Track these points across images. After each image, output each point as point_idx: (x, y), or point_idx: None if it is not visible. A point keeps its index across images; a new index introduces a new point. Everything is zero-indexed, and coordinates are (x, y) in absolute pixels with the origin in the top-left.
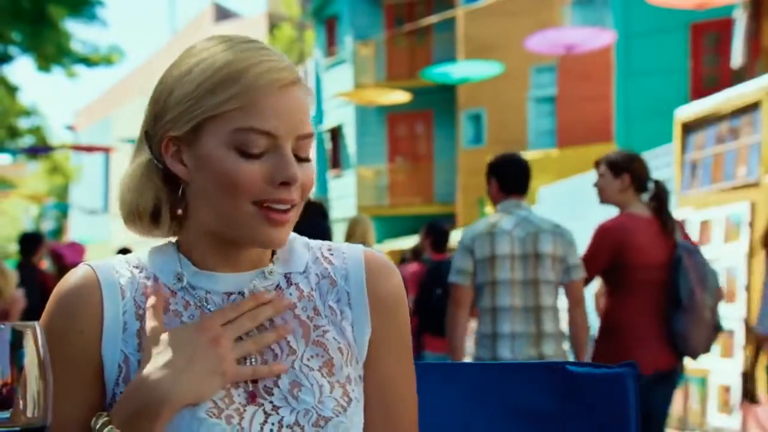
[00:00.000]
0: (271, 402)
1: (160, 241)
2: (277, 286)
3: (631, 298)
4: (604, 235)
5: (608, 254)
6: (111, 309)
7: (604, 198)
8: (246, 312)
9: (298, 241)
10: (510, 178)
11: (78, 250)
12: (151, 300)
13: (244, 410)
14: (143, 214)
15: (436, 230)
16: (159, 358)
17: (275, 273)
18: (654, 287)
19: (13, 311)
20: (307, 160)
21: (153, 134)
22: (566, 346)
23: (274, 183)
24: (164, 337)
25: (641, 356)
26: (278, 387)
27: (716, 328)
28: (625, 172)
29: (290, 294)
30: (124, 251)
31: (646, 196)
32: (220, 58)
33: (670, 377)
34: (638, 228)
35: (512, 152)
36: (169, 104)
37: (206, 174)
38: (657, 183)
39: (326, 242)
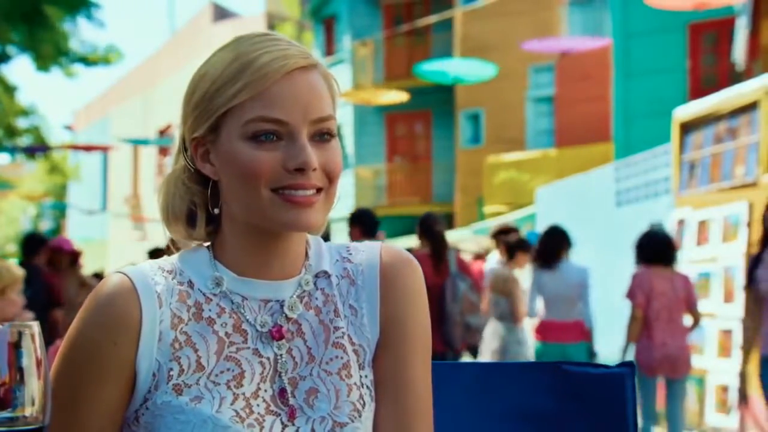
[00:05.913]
0: (287, 411)
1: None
2: (306, 292)
3: None
4: None
5: None
6: (148, 320)
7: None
8: None
9: (322, 244)
10: (367, 225)
11: None
12: None
13: (263, 420)
14: (178, 217)
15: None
16: None
17: (311, 282)
18: (433, 301)
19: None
20: (327, 142)
21: (184, 139)
22: None
23: (289, 169)
24: None
25: None
26: (294, 397)
27: (466, 327)
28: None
29: (316, 299)
30: (156, 252)
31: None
32: (229, 55)
33: (443, 359)
34: (421, 261)
35: (366, 207)
36: (190, 107)
37: (229, 168)
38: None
39: (347, 243)
